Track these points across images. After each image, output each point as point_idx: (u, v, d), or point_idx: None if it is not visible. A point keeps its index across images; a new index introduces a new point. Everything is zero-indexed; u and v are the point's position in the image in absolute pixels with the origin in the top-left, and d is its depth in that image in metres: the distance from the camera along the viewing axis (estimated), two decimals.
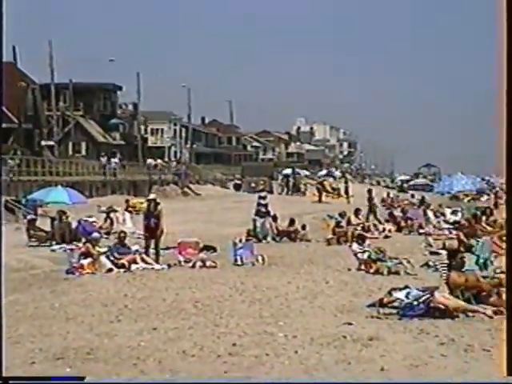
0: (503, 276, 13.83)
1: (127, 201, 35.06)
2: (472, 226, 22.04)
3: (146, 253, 17.47)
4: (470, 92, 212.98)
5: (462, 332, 9.20)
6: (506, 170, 6.53)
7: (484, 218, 24.84)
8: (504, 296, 11.13)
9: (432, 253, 19.41)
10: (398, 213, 30.37)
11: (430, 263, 16.50)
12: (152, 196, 19.67)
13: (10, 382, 7.00)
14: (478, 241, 17.45)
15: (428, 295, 10.82)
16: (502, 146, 6.48)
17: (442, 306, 10.58)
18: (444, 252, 15.03)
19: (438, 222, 28.91)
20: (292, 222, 24.75)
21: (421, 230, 26.63)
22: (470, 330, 9.35)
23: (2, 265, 8.56)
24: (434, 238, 23.02)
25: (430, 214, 30.58)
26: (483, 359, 7.76)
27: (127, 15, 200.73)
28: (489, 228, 23.39)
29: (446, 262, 12.20)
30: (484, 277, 12.14)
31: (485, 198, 48.42)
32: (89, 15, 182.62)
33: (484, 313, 10.54)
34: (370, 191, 33.68)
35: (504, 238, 22.35)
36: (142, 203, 29.16)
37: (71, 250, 18.61)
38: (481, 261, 15.25)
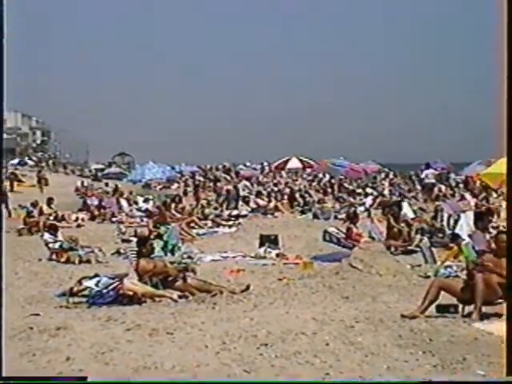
0: (189, 261, 14.54)
1: None
2: (162, 213, 22.64)
3: None
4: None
5: (148, 317, 9.41)
6: (506, 168, 6.54)
7: (173, 205, 25.65)
8: (189, 280, 11.73)
9: (124, 240, 19.72)
10: (91, 201, 30.38)
11: (121, 251, 16.83)
12: None
13: (10, 381, 6.57)
14: (167, 227, 18.02)
15: (117, 282, 11.00)
16: (501, 145, 6.48)
17: (131, 293, 10.84)
18: (135, 239, 15.35)
19: (131, 210, 29.37)
20: None
21: (114, 219, 26.90)
22: (155, 315, 9.60)
23: (2, 262, 7.56)
24: (127, 226, 23.40)
25: (124, 202, 30.98)
26: (167, 342, 8.06)
27: None
28: (178, 215, 24.25)
29: (136, 249, 12.49)
30: (171, 262, 12.57)
31: (175, 185, 49.79)
32: None
33: (170, 297, 10.94)
34: None
35: (192, 224, 23.40)
36: None
37: None
38: (169, 247, 15.79)
